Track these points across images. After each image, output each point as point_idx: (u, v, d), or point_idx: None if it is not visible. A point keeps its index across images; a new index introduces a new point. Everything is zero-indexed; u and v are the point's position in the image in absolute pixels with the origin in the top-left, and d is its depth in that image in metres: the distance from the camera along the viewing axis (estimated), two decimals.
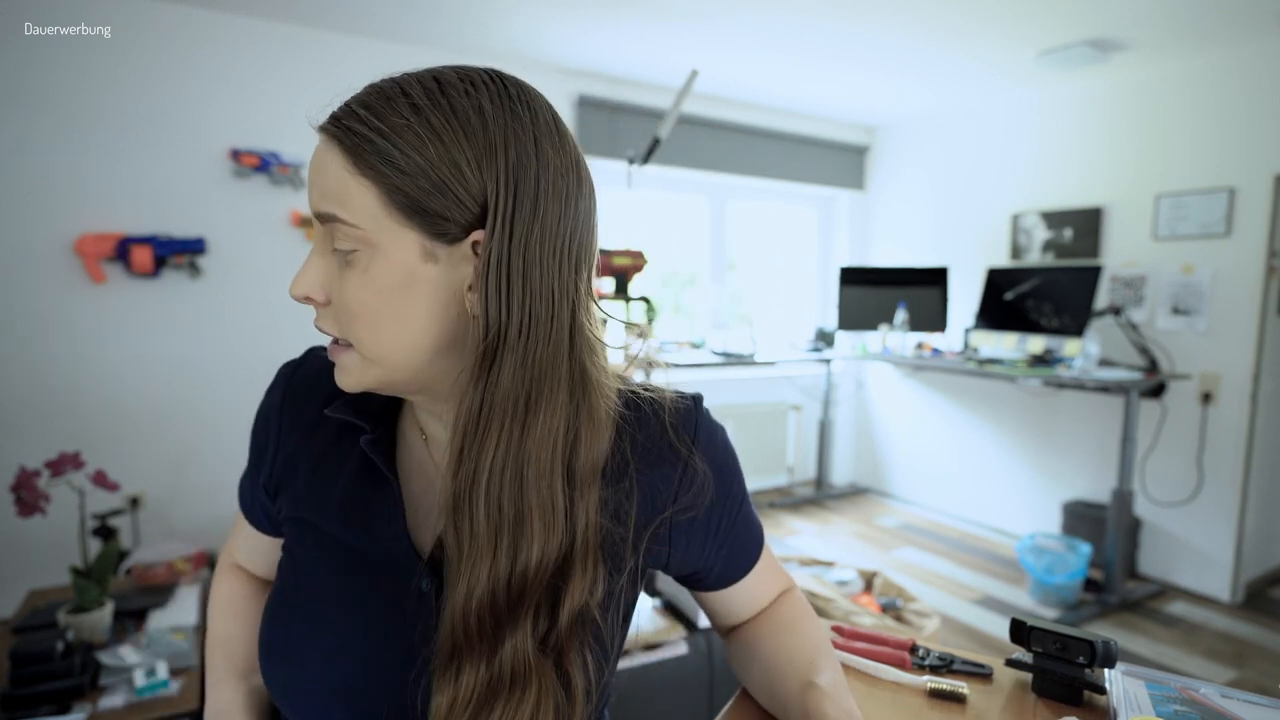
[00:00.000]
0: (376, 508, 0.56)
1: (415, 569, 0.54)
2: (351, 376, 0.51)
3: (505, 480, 0.47)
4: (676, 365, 3.41)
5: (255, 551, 0.69)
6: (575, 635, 0.50)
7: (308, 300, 0.50)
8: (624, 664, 1.56)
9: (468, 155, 0.46)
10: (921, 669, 0.70)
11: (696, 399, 0.62)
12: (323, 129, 0.48)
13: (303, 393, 0.62)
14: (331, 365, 0.55)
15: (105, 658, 1.41)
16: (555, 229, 0.48)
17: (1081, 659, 0.64)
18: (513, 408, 0.47)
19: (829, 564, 2.50)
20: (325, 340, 0.55)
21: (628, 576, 0.56)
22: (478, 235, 0.47)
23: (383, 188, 0.46)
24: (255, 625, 0.66)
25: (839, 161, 4.32)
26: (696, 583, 0.65)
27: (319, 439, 0.60)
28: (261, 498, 0.63)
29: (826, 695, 0.53)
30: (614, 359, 0.57)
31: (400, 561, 0.55)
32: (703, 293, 4.16)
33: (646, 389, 0.60)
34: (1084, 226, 3.38)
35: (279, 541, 0.65)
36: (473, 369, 0.47)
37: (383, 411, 0.59)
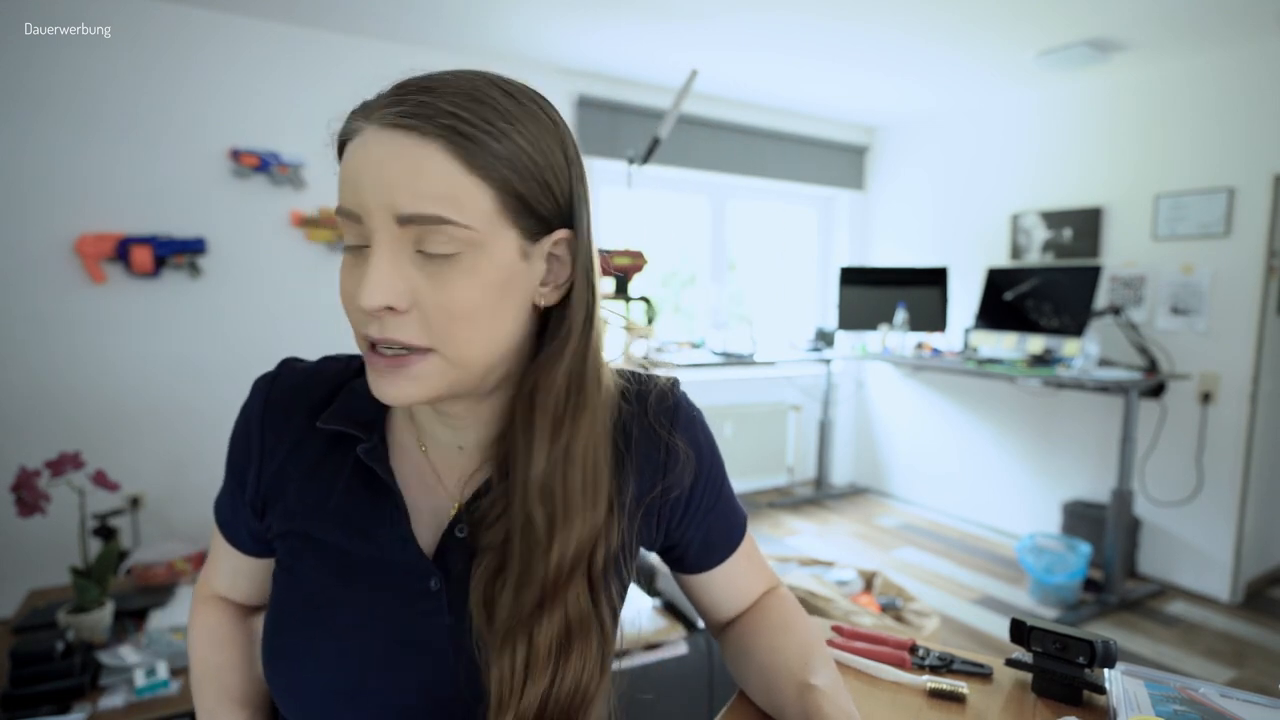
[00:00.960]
0: (377, 514, 0.57)
1: (422, 570, 0.56)
2: (424, 385, 0.49)
3: (587, 452, 0.54)
4: (676, 365, 3.40)
5: (238, 576, 0.66)
6: (602, 583, 0.56)
7: (384, 311, 0.47)
8: (624, 664, 1.56)
9: (559, 158, 0.51)
10: (921, 669, 0.70)
11: (673, 381, 0.65)
12: (402, 126, 0.46)
13: (283, 406, 0.60)
14: (310, 375, 0.60)
15: (105, 658, 1.41)
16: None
17: (1081, 659, 0.64)
18: (581, 389, 0.54)
19: (829, 564, 2.50)
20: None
21: (624, 552, 0.60)
22: (561, 234, 0.52)
23: (498, 189, 0.48)
24: (247, 654, 0.66)
25: (839, 161, 4.32)
26: (677, 561, 0.68)
27: (307, 451, 0.59)
28: (246, 517, 0.61)
29: (825, 695, 0.54)
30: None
31: (406, 564, 0.56)
32: (703, 293, 4.16)
33: (629, 372, 0.64)
34: (1084, 226, 3.38)
35: (264, 563, 0.64)
36: (558, 357, 0.53)
37: (374, 421, 0.58)
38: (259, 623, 0.67)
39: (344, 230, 0.49)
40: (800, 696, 0.55)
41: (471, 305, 0.48)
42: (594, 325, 0.54)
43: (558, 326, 0.54)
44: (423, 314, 0.48)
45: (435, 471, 0.59)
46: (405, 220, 0.46)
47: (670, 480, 0.61)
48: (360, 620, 0.55)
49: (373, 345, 0.50)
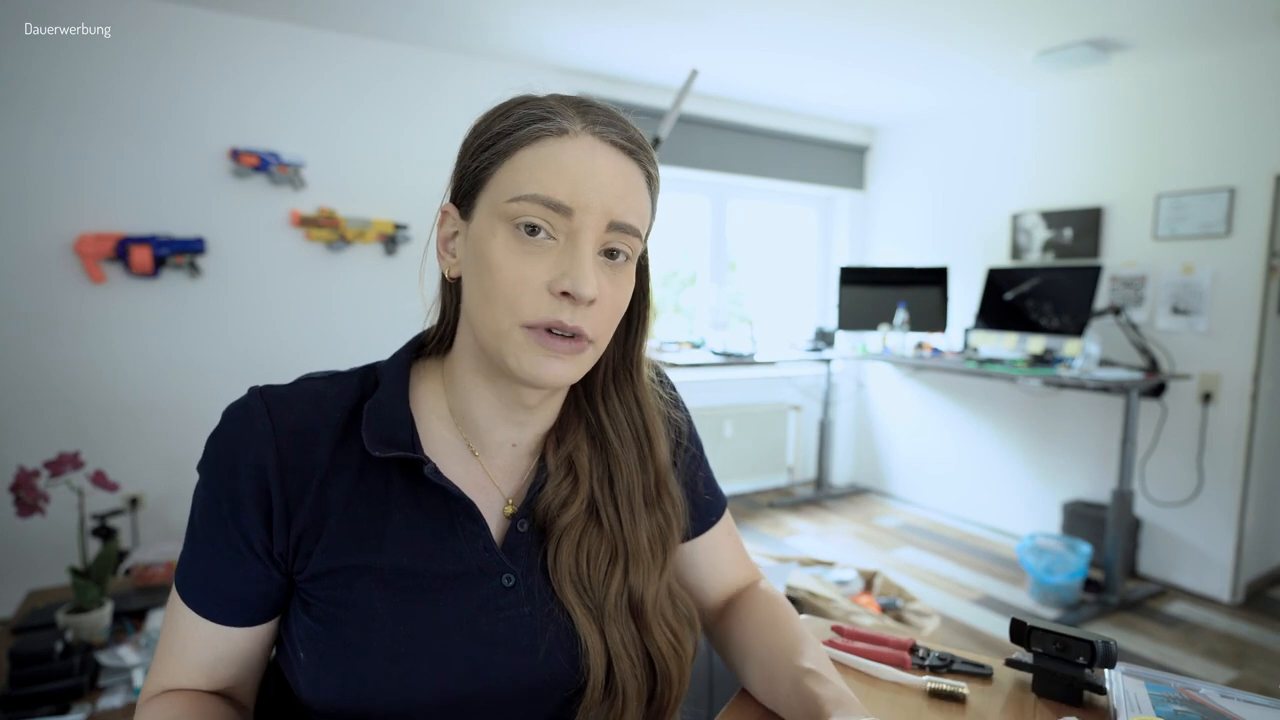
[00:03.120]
0: (446, 529, 0.57)
1: (495, 570, 0.58)
2: (578, 371, 0.56)
3: (654, 422, 0.66)
4: (676, 365, 3.40)
5: (222, 663, 0.56)
6: (674, 541, 0.67)
7: (590, 302, 0.53)
8: None
9: None
10: (921, 669, 0.70)
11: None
12: (621, 148, 0.55)
13: (298, 439, 0.55)
14: (314, 400, 0.57)
15: (104, 658, 1.41)
16: None
17: (1081, 659, 0.64)
18: (641, 376, 0.66)
19: (829, 564, 2.50)
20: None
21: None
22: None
23: (652, 212, 0.59)
24: None
25: (839, 161, 4.32)
26: None
27: (340, 480, 0.56)
28: (256, 576, 0.55)
29: (817, 677, 0.57)
30: None
31: (479, 569, 0.58)
32: (703, 293, 4.16)
33: None
34: (1084, 226, 3.38)
35: (260, 632, 0.57)
36: (638, 348, 0.65)
37: (412, 438, 0.58)
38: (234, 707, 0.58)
39: (533, 216, 0.52)
40: (796, 681, 0.58)
41: (623, 306, 0.57)
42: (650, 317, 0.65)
43: (631, 322, 0.64)
44: (600, 309, 0.54)
45: (487, 473, 0.61)
46: (614, 226, 0.54)
47: (677, 439, 0.70)
48: (447, 635, 0.55)
49: (548, 329, 0.53)
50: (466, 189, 0.56)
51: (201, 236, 2.64)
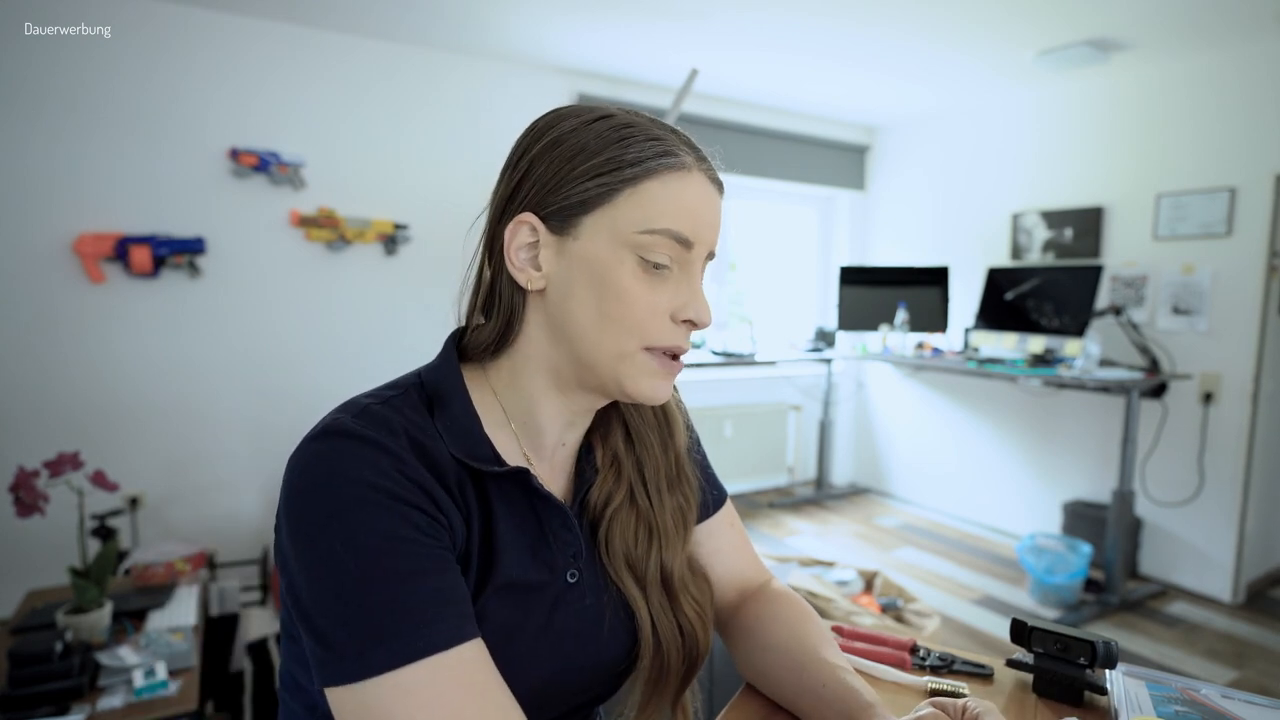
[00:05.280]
0: (540, 535, 0.59)
1: (564, 569, 0.60)
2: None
3: (676, 419, 0.71)
4: None
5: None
6: (694, 516, 0.71)
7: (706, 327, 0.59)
8: None
9: None
10: (922, 669, 0.70)
11: None
12: (718, 186, 0.60)
13: (423, 453, 0.53)
14: (383, 420, 0.52)
15: (104, 658, 1.41)
16: None
17: (1082, 659, 0.64)
18: None
19: (829, 564, 2.50)
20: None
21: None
22: None
23: None
24: None
25: (839, 161, 4.32)
26: None
27: (466, 493, 0.55)
28: (462, 581, 0.52)
29: (856, 676, 0.59)
30: None
31: (560, 569, 0.60)
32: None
33: None
34: (1084, 226, 3.38)
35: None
36: None
37: (494, 455, 0.57)
38: None
39: (659, 251, 0.55)
40: (833, 674, 0.59)
41: None
42: None
43: None
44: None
45: (541, 475, 0.62)
46: (711, 256, 0.60)
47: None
48: (530, 636, 0.57)
49: (673, 355, 0.58)
50: (565, 205, 0.55)
51: (201, 236, 2.64)
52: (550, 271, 0.56)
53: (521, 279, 0.57)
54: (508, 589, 0.56)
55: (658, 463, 0.67)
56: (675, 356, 0.58)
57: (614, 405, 0.67)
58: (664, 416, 0.69)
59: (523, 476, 0.57)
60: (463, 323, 0.63)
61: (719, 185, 0.60)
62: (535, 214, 0.56)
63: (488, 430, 0.58)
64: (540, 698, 0.57)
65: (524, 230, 0.56)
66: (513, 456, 0.60)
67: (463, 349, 0.62)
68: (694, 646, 0.65)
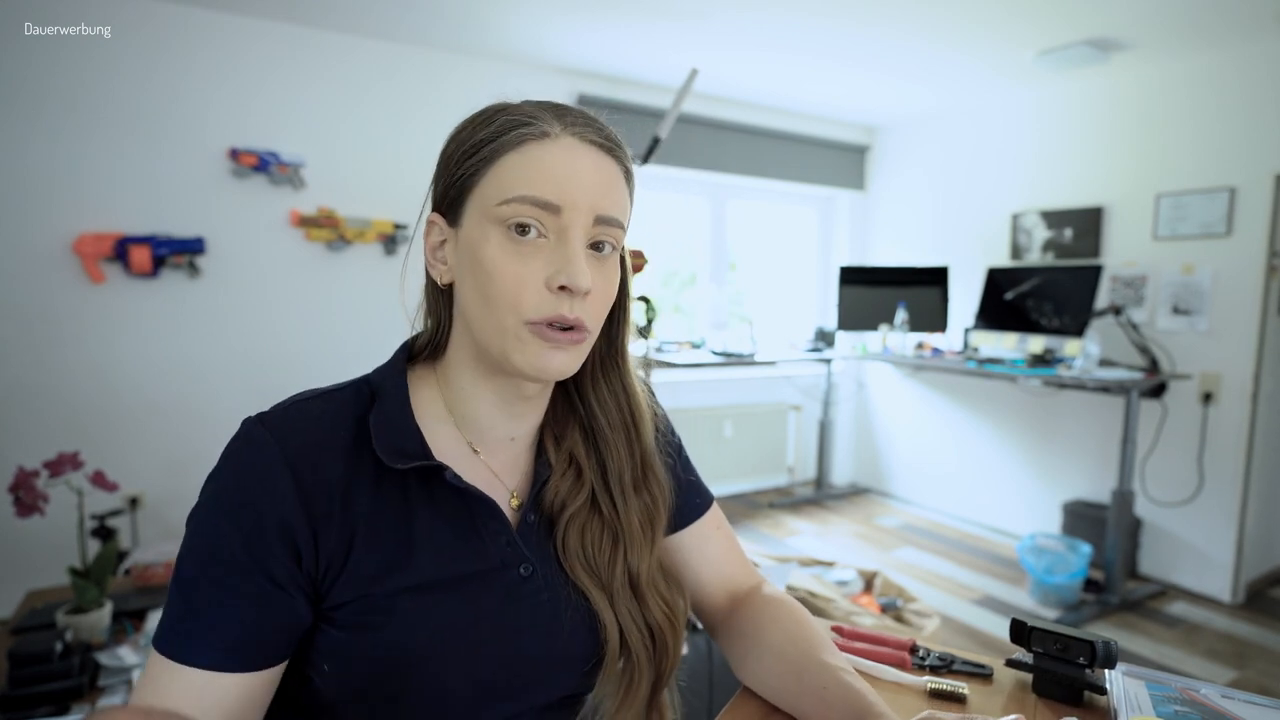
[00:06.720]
0: (467, 530, 0.59)
1: (513, 562, 0.60)
2: (578, 360, 0.58)
3: (645, 416, 0.69)
4: (676, 365, 3.40)
5: (233, 714, 0.50)
6: (661, 522, 0.70)
7: (585, 293, 0.55)
8: None
9: None
10: (922, 669, 0.70)
11: None
12: (600, 146, 0.57)
13: (311, 462, 0.54)
14: (318, 419, 0.56)
15: (104, 658, 1.41)
16: None
17: (1082, 659, 0.64)
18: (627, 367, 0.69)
19: (829, 564, 2.50)
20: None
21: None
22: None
23: (632, 205, 0.61)
24: None
25: (839, 161, 4.32)
26: None
27: (360, 495, 0.55)
28: (286, 610, 0.52)
29: (858, 678, 0.59)
30: None
31: (503, 562, 0.60)
32: (703, 293, 4.16)
33: None
34: (1084, 226, 3.38)
35: (269, 677, 0.53)
36: (622, 337, 0.67)
37: (423, 446, 0.58)
38: None
39: (524, 217, 0.54)
40: (834, 675, 0.59)
41: (613, 296, 0.60)
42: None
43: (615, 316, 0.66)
44: (593, 299, 0.57)
45: (490, 470, 0.63)
46: (600, 220, 0.56)
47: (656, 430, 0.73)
48: (478, 629, 0.57)
49: (549, 324, 0.55)
50: (452, 197, 0.58)
51: (201, 236, 2.64)
52: (453, 264, 0.60)
53: (435, 275, 0.61)
54: (430, 586, 0.56)
55: (622, 464, 0.66)
56: (567, 329, 0.55)
57: (568, 403, 0.68)
58: (630, 415, 0.67)
59: (435, 471, 0.57)
60: (419, 328, 0.67)
61: (604, 147, 0.57)
62: (439, 212, 0.60)
63: (429, 423, 0.60)
64: (502, 687, 0.58)
65: (435, 230, 0.61)
66: (453, 450, 0.61)
67: (416, 351, 0.66)
68: (664, 650, 0.65)
